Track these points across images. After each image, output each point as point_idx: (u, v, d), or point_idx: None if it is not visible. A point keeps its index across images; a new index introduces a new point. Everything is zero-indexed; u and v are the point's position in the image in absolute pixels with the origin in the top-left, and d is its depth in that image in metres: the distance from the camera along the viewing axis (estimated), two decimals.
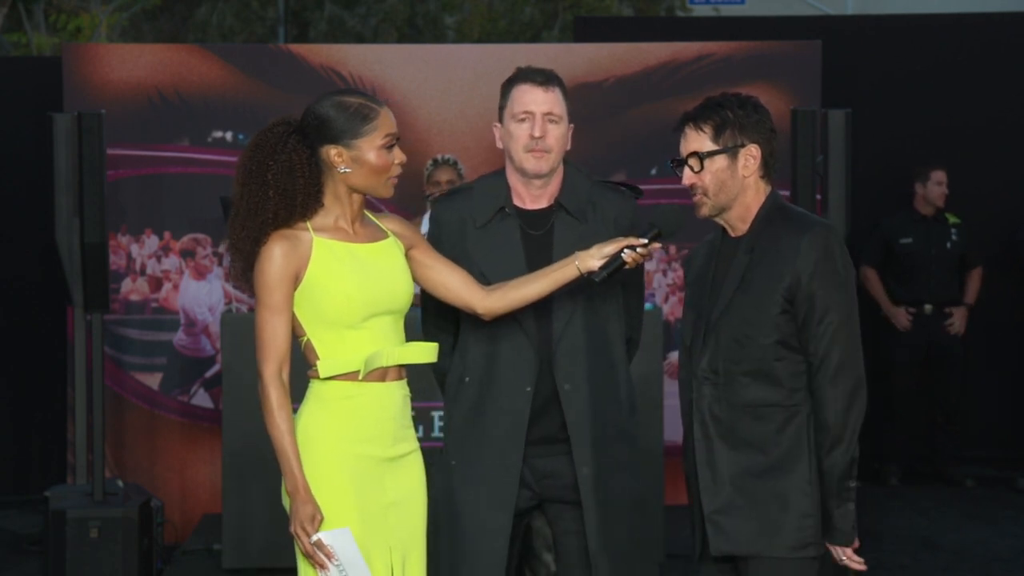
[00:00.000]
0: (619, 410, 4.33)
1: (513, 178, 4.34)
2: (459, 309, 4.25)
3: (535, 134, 4.24)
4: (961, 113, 9.21)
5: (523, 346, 4.24)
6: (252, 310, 8.08)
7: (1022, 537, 7.83)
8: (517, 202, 4.34)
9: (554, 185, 4.33)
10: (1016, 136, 9.23)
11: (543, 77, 4.30)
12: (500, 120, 4.33)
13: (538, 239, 4.30)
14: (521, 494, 4.26)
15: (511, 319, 4.22)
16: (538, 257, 4.27)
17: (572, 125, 4.35)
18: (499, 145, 4.36)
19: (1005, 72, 9.26)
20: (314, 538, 3.81)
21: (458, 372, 4.29)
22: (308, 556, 3.82)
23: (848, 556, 3.82)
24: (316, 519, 3.81)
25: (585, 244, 4.23)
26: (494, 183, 4.37)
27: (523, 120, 4.25)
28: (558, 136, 4.28)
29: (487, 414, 4.25)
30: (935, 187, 8.95)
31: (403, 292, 3.99)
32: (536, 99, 4.26)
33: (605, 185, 4.42)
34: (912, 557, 7.40)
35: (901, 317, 8.92)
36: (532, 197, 4.33)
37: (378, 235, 4.03)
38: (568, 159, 4.38)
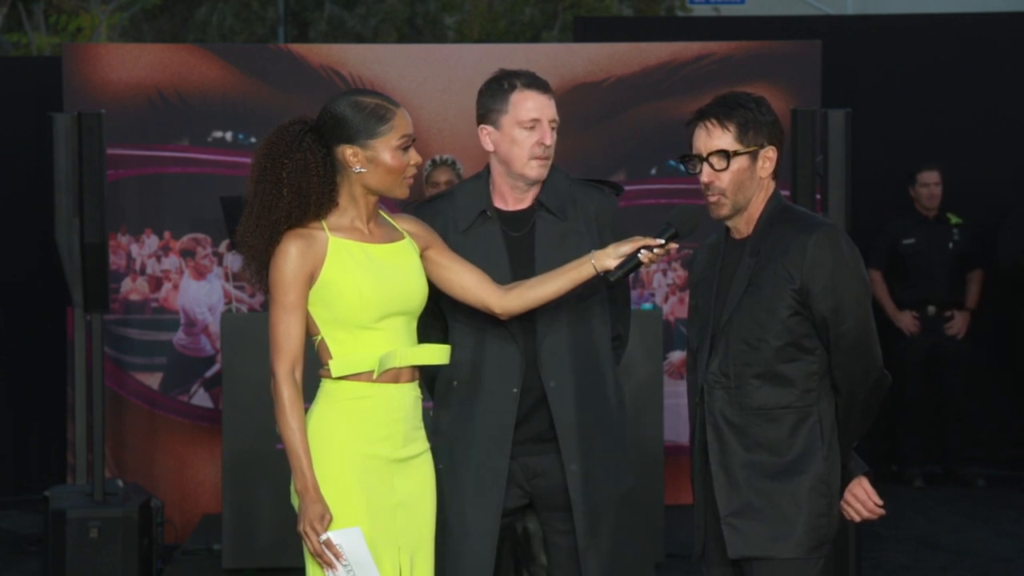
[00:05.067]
0: (607, 406, 4.33)
1: (500, 180, 4.33)
2: (445, 310, 4.26)
3: (546, 142, 4.25)
4: (961, 113, 9.21)
5: (509, 347, 4.25)
6: (252, 310, 8.12)
7: (1022, 537, 7.83)
8: (499, 204, 4.34)
9: (538, 186, 4.33)
10: (1016, 136, 9.23)
11: (543, 83, 4.31)
12: (493, 124, 4.30)
13: (519, 240, 4.30)
14: (512, 493, 4.26)
15: (498, 320, 4.21)
16: (521, 258, 4.27)
17: None
18: (489, 148, 4.32)
19: (1005, 72, 9.26)
20: (323, 537, 3.81)
21: (446, 375, 4.28)
22: (316, 555, 3.82)
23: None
24: (325, 519, 3.81)
25: (566, 242, 4.25)
26: (474, 187, 4.37)
27: (532, 127, 4.25)
28: (554, 141, 4.30)
29: (474, 416, 4.25)
30: (922, 189, 8.98)
31: (417, 293, 3.99)
32: (541, 105, 4.26)
33: (585, 183, 4.42)
34: (912, 557, 7.39)
35: (907, 322, 8.92)
36: (516, 199, 4.33)
37: (394, 235, 4.03)
38: None
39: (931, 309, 8.96)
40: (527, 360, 4.25)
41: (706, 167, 3.85)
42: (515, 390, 4.23)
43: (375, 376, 3.90)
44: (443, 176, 7.31)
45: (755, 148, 3.84)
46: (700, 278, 4.00)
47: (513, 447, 4.25)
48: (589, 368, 4.30)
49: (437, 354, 4.03)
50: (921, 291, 8.96)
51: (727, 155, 3.83)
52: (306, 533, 3.81)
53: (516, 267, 4.26)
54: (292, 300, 3.86)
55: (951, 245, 8.98)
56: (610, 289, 4.34)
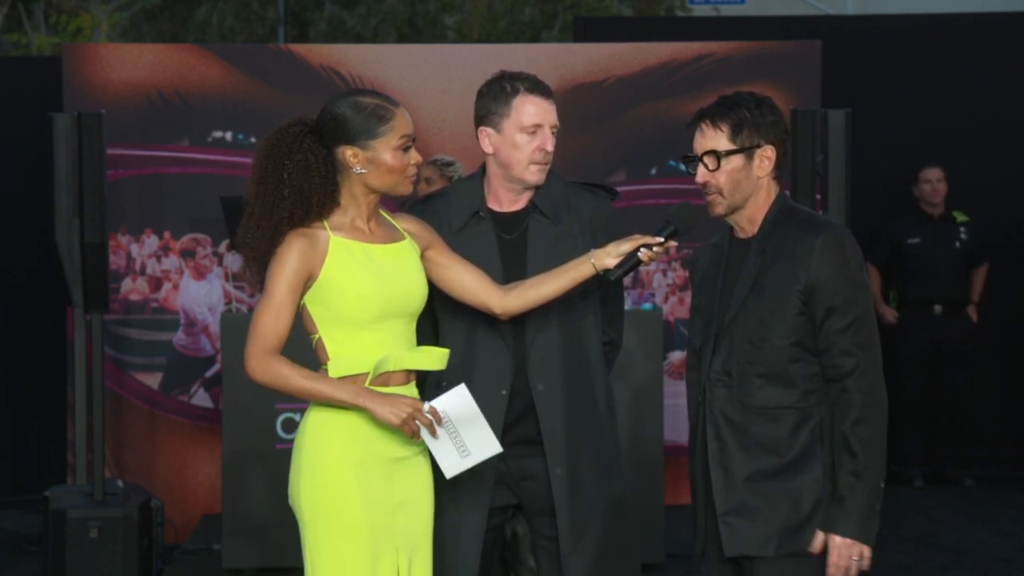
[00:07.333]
0: (595, 411, 4.31)
1: (497, 182, 4.31)
2: (437, 309, 4.25)
3: (547, 148, 4.24)
4: (961, 113, 9.22)
5: (499, 349, 4.24)
6: (252, 310, 8.11)
7: (1022, 537, 7.83)
8: (493, 205, 4.32)
9: (533, 188, 4.32)
10: (1016, 135, 9.24)
11: (546, 88, 4.29)
12: (494, 127, 4.27)
13: (512, 242, 4.29)
14: (502, 492, 4.26)
15: (488, 322, 4.21)
16: (513, 260, 4.26)
17: None
18: (488, 151, 4.29)
19: (1005, 72, 9.27)
20: (427, 407, 3.83)
21: (435, 376, 4.25)
22: (411, 427, 3.81)
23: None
24: (404, 403, 3.81)
25: (559, 246, 4.24)
26: (468, 187, 4.36)
27: (534, 133, 4.23)
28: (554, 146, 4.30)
29: None
30: (925, 186, 8.97)
31: (417, 294, 3.98)
32: (543, 111, 4.25)
33: (580, 186, 4.41)
34: (912, 557, 7.39)
35: (887, 314, 8.90)
36: (511, 201, 4.32)
37: (395, 236, 4.02)
38: None
39: (937, 308, 8.93)
40: (516, 362, 4.24)
41: (700, 167, 3.87)
42: (504, 392, 4.23)
43: (368, 383, 3.89)
44: (427, 172, 7.27)
45: (749, 148, 3.85)
46: (703, 277, 4.00)
47: (503, 449, 4.24)
48: (578, 372, 4.29)
49: (434, 360, 4.01)
50: (927, 290, 8.93)
51: (718, 155, 3.84)
52: (406, 422, 3.80)
53: (508, 269, 4.24)
54: (282, 296, 3.84)
55: (958, 244, 8.96)
56: (603, 292, 4.33)
